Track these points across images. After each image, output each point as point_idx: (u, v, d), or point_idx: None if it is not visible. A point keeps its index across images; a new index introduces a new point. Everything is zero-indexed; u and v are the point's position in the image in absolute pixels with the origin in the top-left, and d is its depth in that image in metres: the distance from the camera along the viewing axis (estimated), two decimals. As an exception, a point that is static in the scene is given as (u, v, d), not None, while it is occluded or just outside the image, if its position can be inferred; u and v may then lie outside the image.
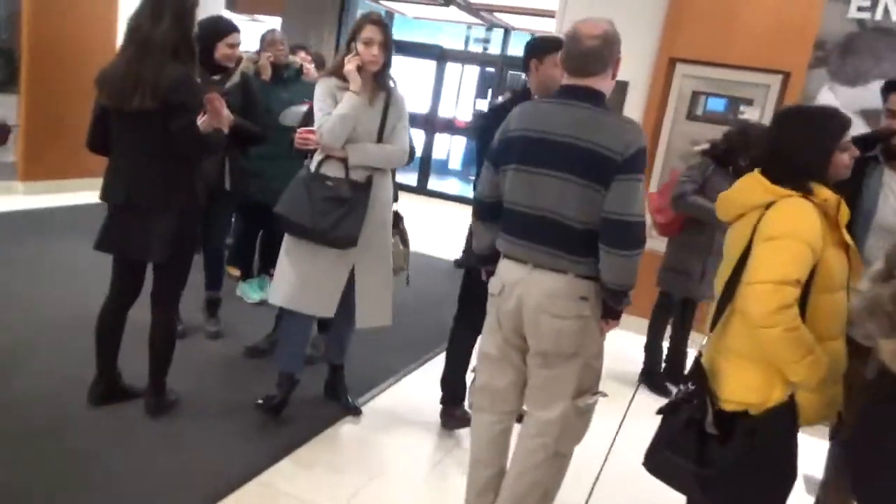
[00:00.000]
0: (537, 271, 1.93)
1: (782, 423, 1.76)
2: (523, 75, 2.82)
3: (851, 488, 1.71)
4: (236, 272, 4.30)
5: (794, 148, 1.76)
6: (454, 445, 2.87)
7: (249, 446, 2.59)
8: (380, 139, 2.64)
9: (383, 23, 2.61)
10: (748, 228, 1.77)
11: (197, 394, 2.88)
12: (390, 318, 2.82)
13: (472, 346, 2.92)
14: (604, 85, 1.90)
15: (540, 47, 2.70)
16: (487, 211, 2.09)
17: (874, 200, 2.30)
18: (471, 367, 2.81)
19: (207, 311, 3.59)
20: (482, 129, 2.64)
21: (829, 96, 4.05)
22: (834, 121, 1.77)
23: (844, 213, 1.75)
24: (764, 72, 4.12)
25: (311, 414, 2.91)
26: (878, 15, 3.91)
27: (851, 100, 4.01)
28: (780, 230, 1.69)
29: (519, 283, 1.96)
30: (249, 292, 4.16)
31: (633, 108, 4.49)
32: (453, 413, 2.93)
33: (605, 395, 2.09)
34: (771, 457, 1.78)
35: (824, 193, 1.75)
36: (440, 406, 2.98)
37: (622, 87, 4.39)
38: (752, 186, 1.80)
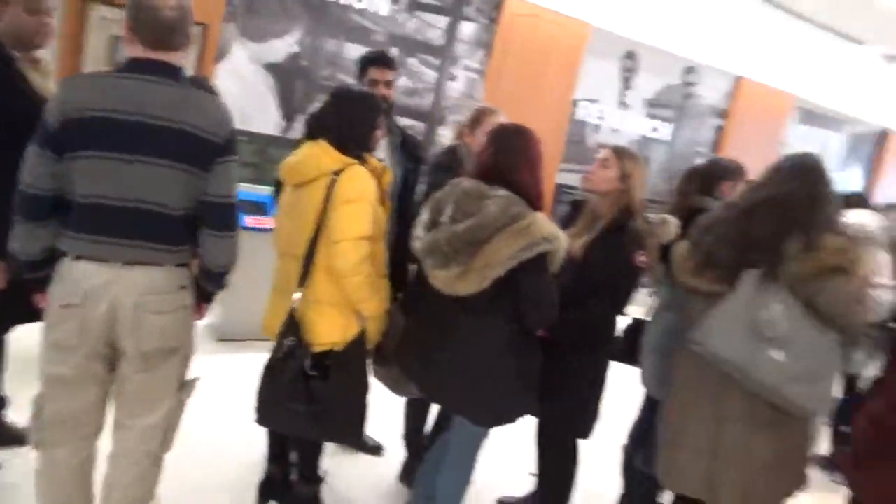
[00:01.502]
0: (130, 269, 1.72)
1: (359, 349, 2.17)
2: None
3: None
4: None
5: (351, 123, 2.09)
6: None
7: None
8: None
9: None
10: (321, 192, 2.04)
11: None
12: None
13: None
14: (183, 59, 1.77)
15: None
16: (42, 207, 1.69)
17: None
18: None
19: None
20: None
21: (240, 50, 4.45)
22: (375, 102, 2.16)
23: (387, 177, 2.20)
24: (183, 22, 4.18)
25: None
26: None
27: (258, 54, 4.52)
28: (355, 194, 2.02)
29: (109, 286, 1.71)
30: None
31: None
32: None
33: (198, 378, 2.06)
34: (357, 377, 2.19)
35: (373, 161, 2.16)
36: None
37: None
38: (322, 155, 2.06)
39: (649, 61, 6.45)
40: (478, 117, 2.55)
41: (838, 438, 3.57)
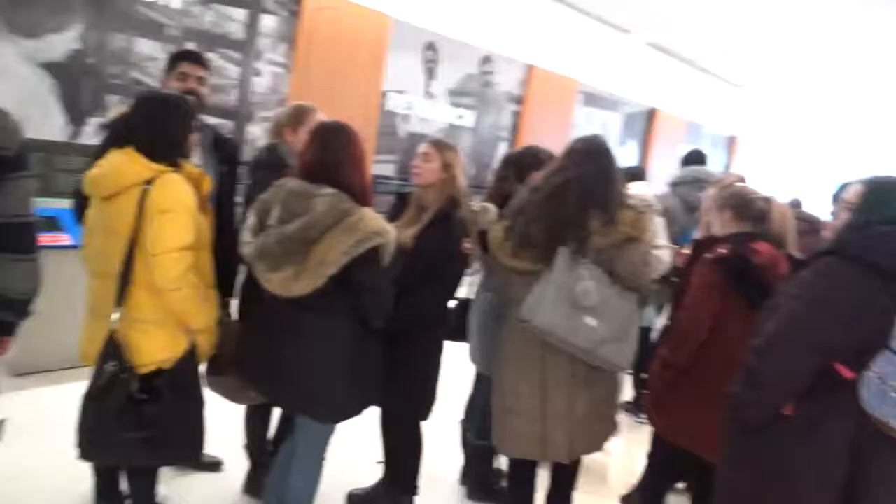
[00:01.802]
0: None
1: (190, 364, 2.09)
2: None
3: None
4: None
5: (163, 129, 1.97)
6: None
7: None
8: None
9: None
10: (132, 203, 1.92)
11: None
12: None
13: None
14: None
15: None
16: None
17: None
18: None
19: None
20: None
21: (9, 47, 3.95)
22: (186, 104, 2.06)
23: (207, 183, 2.11)
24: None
25: None
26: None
27: (32, 51, 4.04)
28: (170, 204, 1.93)
29: None
30: None
31: None
32: None
33: (5, 419, 1.86)
34: (191, 394, 2.11)
35: (189, 167, 2.06)
36: None
37: None
38: (130, 164, 1.93)
39: (449, 52, 6.74)
40: (299, 115, 2.53)
41: (638, 384, 4.08)
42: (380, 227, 1.97)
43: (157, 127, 1.98)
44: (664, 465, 2.59)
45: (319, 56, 5.47)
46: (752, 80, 10.54)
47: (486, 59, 7.18)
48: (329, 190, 1.97)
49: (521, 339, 2.16)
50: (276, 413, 2.68)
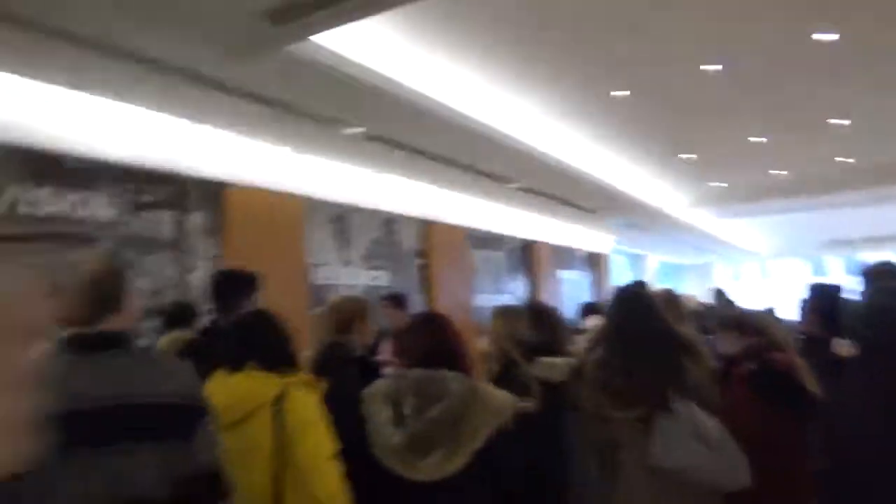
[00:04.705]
0: None
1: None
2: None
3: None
4: None
5: (281, 340, 1.95)
6: None
7: None
8: None
9: None
10: (266, 424, 1.84)
11: None
12: None
13: None
14: None
15: None
16: None
17: None
18: None
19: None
20: None
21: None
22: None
23: (321, 388, 2.07)
24: None
25: None
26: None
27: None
28: (312, 414, 1.88)
29: None
30: None
31: None
32: None
33: None
34: None
35: (303, 374, 2.02)
36: None
37: None
38: (262, 384, 1.86)
39: (357, 221, 7.01)
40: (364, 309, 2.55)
41: None
42: (509, 399, 2.03)
43: (278, 339, 1.95)
44: None
45: (247, 242, 5.44)
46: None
47: (390, 221, 7.51)
48: (450, 372, 2.01)
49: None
50: None
